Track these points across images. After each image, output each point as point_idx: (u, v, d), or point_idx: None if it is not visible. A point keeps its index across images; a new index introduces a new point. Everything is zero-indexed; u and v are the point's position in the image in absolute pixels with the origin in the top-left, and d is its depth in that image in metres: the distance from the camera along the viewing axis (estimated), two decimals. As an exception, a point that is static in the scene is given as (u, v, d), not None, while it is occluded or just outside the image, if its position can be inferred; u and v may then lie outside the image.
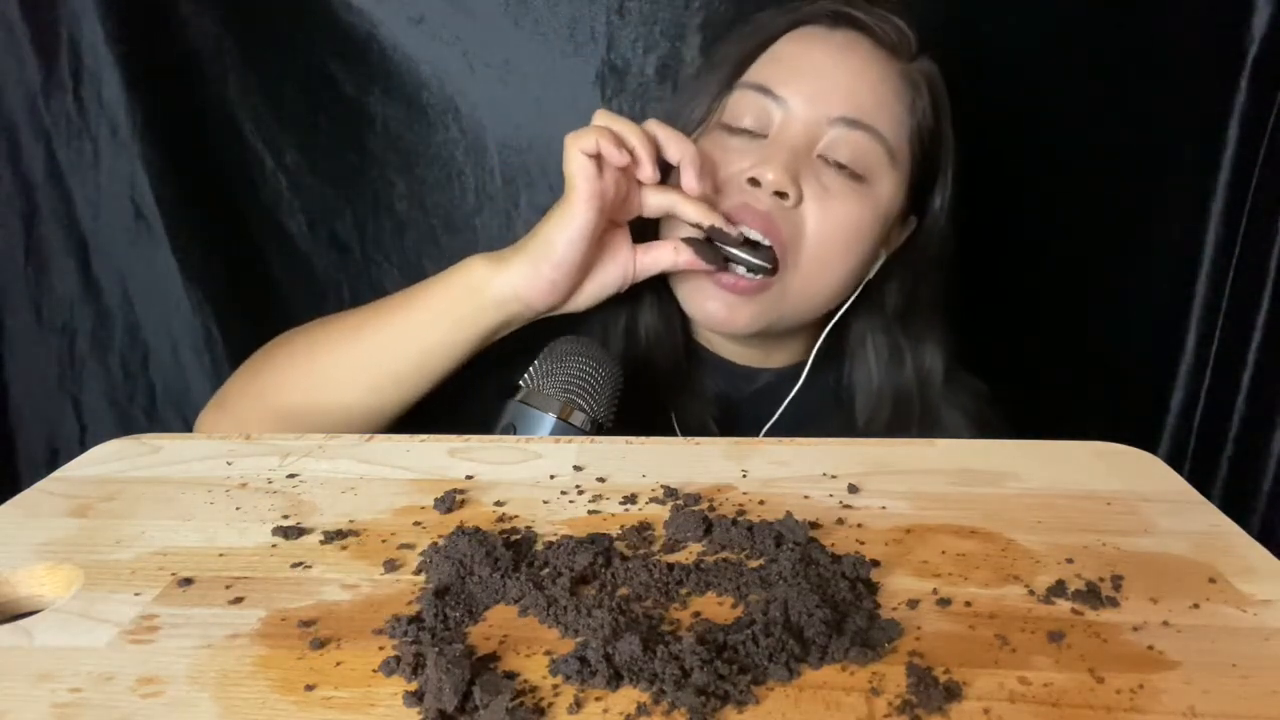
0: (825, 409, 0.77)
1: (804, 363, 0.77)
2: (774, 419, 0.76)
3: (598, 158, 0.62)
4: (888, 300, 0.75)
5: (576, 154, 0.62)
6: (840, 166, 0.67)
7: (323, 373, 0.68)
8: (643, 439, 0.52)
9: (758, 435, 0.74)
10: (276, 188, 1.00)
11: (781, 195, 0.66)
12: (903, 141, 0.70)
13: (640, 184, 0.66)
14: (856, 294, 0.73)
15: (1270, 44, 0.91)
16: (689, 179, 0.65)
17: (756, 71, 0.70)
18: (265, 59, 0.97)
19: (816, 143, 0.67)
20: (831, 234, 0.68)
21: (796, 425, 0.75)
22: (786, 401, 0.75)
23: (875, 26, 0.70)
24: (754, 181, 0.66)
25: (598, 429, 0.63)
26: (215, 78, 0.96)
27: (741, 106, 0.69)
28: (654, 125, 0.65)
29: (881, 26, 0.70)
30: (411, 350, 0.66)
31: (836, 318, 0.74)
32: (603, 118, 0.63)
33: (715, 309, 0.69)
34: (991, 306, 0.97)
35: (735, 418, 0.76)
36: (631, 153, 0.63)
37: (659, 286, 0.74)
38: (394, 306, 0.68)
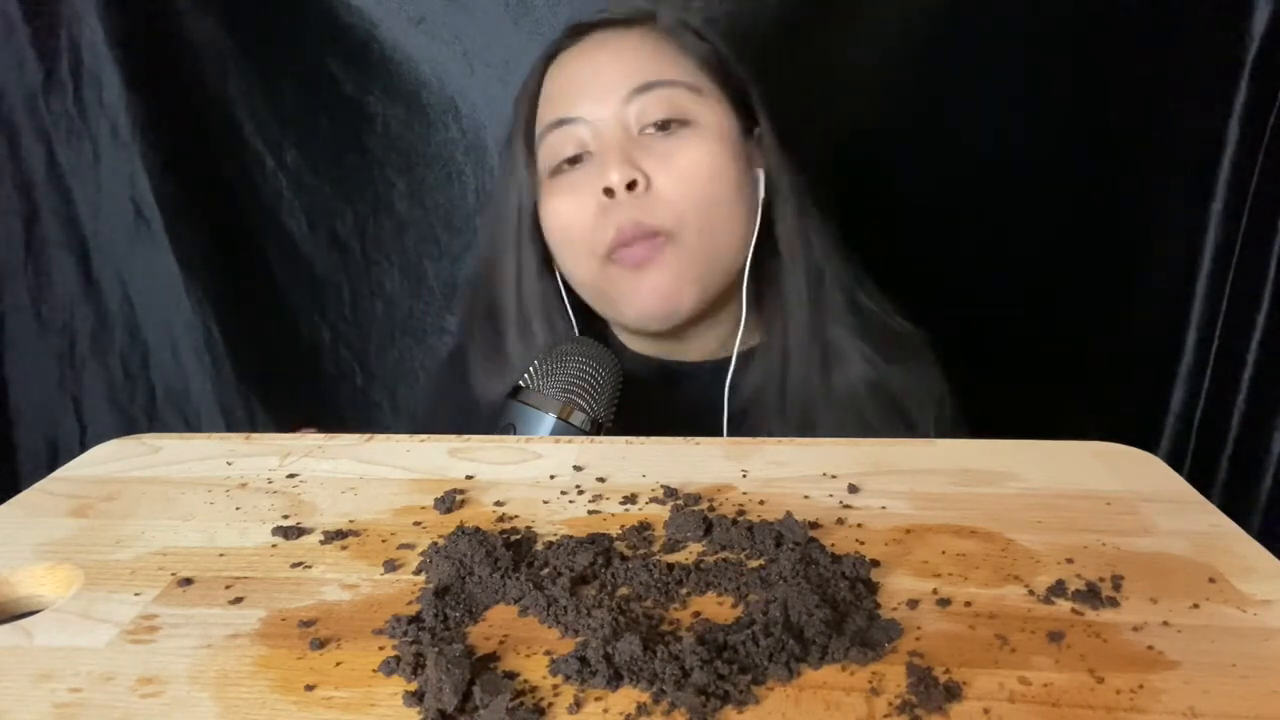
0: (771, 380, 0.75)
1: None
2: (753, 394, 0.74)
3: None
4: (778, 235, 0.75)
5: None
6: (662, 127, 0.70)
7: None
8: (643, 439, 0.52)
9: (723, 421, 0.73)
10: (276, 188, 1.00)
11: (632, 186, 0.68)
12: (697, 72, 0.72)
13: None
14: (759, 219, 0.73)
15: (1270, 44, 0.91)
16: None
17: (543, 116, 0.73)
18: (265, 59, 0.97)
19: (629, 124, 0.70)
20: (691, 183, 0.69)
21: (761, 401, 0.74)
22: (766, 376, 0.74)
23: (608, 18, 0.74)
24: (608, 191, 0.68)
25: (598, 429, 0.63)
26: (215, 78, 0.96)
27: (553, 147, 0.72)
28: None
29: (612, 17, 0.74)
30: None
31: (750, 253, 0.73)
32: None
33: (651, 299, 0.70)
34: (991, 306, 0.97)
35: (698, 416, 0.75)
36: None
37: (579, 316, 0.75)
38: None
